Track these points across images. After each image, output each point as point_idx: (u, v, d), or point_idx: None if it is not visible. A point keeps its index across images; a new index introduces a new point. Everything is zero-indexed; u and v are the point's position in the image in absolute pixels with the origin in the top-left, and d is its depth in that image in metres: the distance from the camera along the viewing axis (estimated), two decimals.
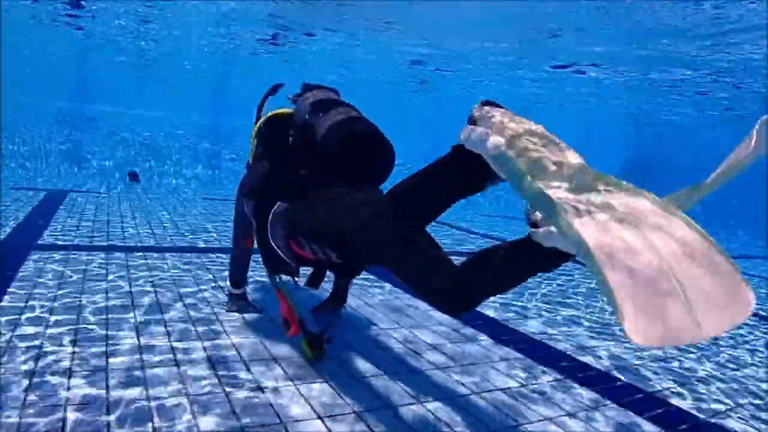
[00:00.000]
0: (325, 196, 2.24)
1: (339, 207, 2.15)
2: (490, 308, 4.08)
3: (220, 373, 2.43)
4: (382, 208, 1.98)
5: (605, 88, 12.98)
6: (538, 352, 3.25)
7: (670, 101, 13.49)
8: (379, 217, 1.96)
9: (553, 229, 1.50)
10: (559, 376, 2.89)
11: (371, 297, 4.05)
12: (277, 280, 2.76)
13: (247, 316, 3.29)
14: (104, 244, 4.98)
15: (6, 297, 3.14)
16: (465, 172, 1.75)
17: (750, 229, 16.32)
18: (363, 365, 2.72)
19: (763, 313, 5.30)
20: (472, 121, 1.68)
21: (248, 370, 2.51)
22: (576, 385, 2.78)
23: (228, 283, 3.40)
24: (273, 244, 2.39)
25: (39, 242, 4.76)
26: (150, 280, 3.86)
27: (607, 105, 15.26)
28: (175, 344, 2.71)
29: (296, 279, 2.69)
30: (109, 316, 3.02)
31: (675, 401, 2.76)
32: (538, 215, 1.63)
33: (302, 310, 2.78)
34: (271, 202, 2.43)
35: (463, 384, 2.63)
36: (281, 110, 2.85)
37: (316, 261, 2.28)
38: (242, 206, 2.89)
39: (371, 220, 1.99)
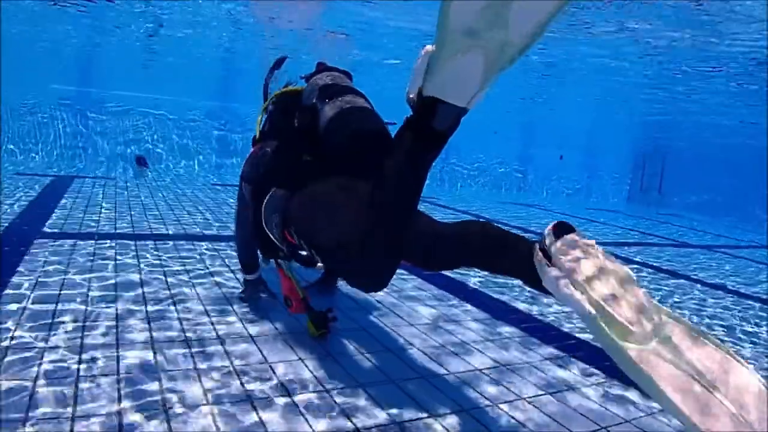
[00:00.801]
0: (323, 189, 2.14)
1: (327, 215, 2.05)
2: (520, 302, 3.94)
3: (235, 364, 2.36)
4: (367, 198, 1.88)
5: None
6: (576, 349, 3.08)
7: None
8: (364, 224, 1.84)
9: (561, 282, 1.43)
10: (594, 371, 2.78)
11: (392, 285, 3.92)
12: (274, 262, 2.78)
13: (262, 302, 3.19)
14: (113, 231, 4.91)
15: (7, 289, 3.05)
16: (425, 144, 1.63)
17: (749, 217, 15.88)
18: (392, 366, 2.63)
19: None
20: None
21: (268, 364, 2.43)
22: (603, 378, 2.69)
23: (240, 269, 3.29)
24: (266, 229, 2.37)
25: (44, 229, 4.71)
26: (160, 267, 3.79)
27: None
28: (188, 334, 2.63)
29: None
30: (118, 312, 2.94)
31: None
32: (549, 243, 1.51)
33: (305, 288, 2.82)
34: (268, 188, 2.38)
35: (496, 383, 2.50)
36: (292, 88, 2.79)
37: None
38: (243, 190, 2.83)
39: (355, 231, 1.86)
